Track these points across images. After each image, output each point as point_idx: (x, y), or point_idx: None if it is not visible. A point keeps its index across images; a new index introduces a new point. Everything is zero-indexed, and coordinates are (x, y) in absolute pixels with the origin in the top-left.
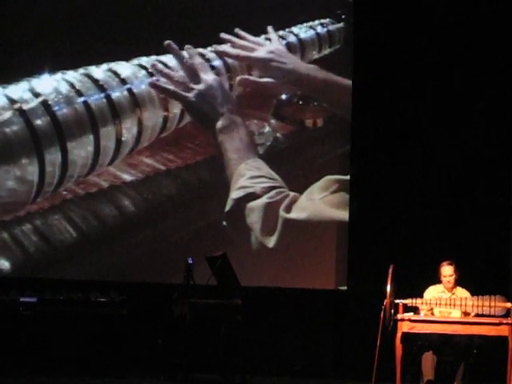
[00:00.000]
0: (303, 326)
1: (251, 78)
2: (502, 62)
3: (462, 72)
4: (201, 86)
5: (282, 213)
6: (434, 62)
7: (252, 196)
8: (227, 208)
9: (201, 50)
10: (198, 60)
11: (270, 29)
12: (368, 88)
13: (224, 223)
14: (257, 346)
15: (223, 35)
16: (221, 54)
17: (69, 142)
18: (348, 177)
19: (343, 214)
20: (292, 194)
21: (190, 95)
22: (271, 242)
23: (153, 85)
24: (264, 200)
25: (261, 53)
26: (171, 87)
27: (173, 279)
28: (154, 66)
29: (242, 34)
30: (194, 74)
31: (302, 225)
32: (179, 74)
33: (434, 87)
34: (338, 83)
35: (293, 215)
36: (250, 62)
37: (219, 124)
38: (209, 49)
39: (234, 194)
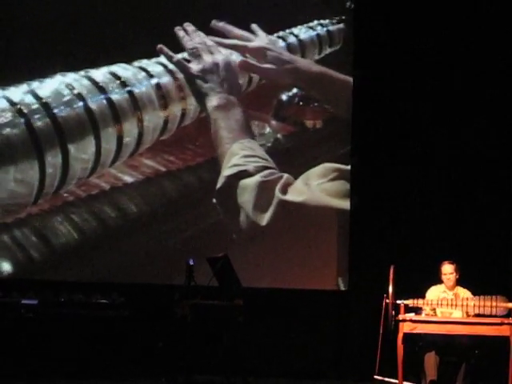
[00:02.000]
0: (304, 326)
1: (252, 61)
2: (503, 61)
3: (462, 71)
4: (206, 62)
5: (277, 193)
6: (433, 62)
7: (244, 174)
8: (218, 185)
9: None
10: (209, 42)
11: (254, 26)
12: (368, 88)
13: (214, 200)
14: (258, 347)
15: (214, 24)
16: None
17: (70, 144)
18: (348, 167)
19: (342, 204)
20: (286, 175)
21: (194, 67)
22: (264, 220)
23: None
24: (258, 178)
25: (257, 42)
26: (177, 56)
27: (174, 280)
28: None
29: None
30: (198, 54)
31: (298, 208)
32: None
33: (434, 87)
34: (334, 77)
35: (289, 197)
36: (247, 51)
37: (214, 101)
38: None
39: (226, 171)
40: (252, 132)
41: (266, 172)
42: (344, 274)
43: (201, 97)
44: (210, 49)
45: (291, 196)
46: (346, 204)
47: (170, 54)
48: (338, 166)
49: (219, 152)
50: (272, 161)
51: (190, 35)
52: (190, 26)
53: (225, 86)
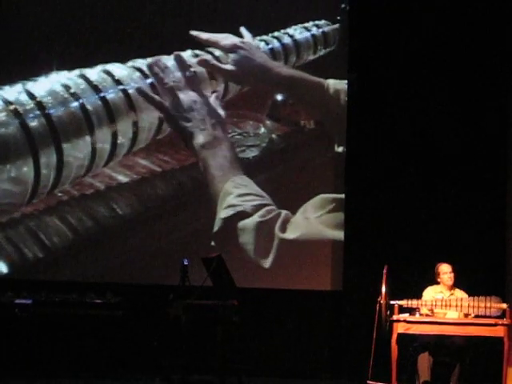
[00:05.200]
0: (299, 327)
1: (211, 60)
2: (499, 63)
3: (458, 73)
4: (180, 104)
5: (277, 232)
6: (429, 63)
7: (242, 215)
8: (216, 228)
9: (182, 53)
10: (177, 75)
11: (243, 29)
12: (363, 89)
13: (212, 243)
14: (253, 347)
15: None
16: (196, 41)
17: (64, 143)
18: (343, 195)
19: (339, 234)
20: (284, 212)
21: (171, 109)
22: (267, 262)
23: (139, 90)
24: (256, 219)
25: (230, 40)
26: (157, 97)
27: (168, 280)
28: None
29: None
30: (173, 93)
31: (300, 244)
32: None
33: (430, 88)
34: (307, 80)
35: (289, 235)
36: (219, 47)
37: (201, 139)
38: (189, 52)
39: (223, 213)
40: (242, 167)
41: (264, 211)
42: (338, 274)
43: (186, 136)
44: (185, 86)
45: (291, 233)
46: (341, 234)
47: (150, 96)
48: (333, 196)
49: (212, 192)
50: (267, 196)
51: (164, 72)
52: (160, 62)
53: (207, 121)
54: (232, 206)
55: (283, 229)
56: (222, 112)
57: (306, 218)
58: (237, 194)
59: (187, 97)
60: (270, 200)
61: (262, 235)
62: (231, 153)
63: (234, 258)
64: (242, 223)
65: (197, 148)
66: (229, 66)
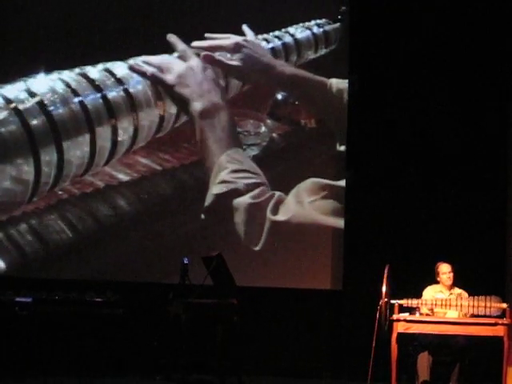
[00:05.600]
0: (299, 326)
1: (216, 56)
2: (499, 64)
3: (458, 73)
4: (180, 68)
5: (269, 215)
6: (429, 63)
7: (235, 192)
8: (206, 203)
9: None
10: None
11: (245, 27)
12: (364, 88)
13: (202, 216)
14: (253, 346)
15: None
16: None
17: (65, 141)
18: (338, 183)
19: (336, 222)
20: (277, 193)
21: (169, 77)
22: (258, 245)
23: (132, 68)
24: (248, 200)
25: (233, 40)
26: (150, 69)
27: (168, 279)
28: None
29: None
30: (169, 65)
31: (291, 227)
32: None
33: (430, 87)
34: (310, 79)
35: (280, 217)
36: (222, 49)
37: (198, 106)
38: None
39: (216, 188)
40: (239, 140)
41: (257, 191)
42: (339, 273)
43: (183, 104)
44: (180, 57)
45: (283, 216)
46: (340, 222)
47: (143, 69)
48: (326, 182)
49: (207, 165)
50: (261, 172)
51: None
52: None
53: (206, 87)
54: (225, 182)
55: (275, 211)
56: (221, 80)
57: (298, 201)
58: (231, 169)
59: (184, 65)
60: (264, 178)
61: (254, 217)
62: (229, 124)
63: (225, 237)
64: (234, 202)
65: (194, 115)
66: (234, 62)
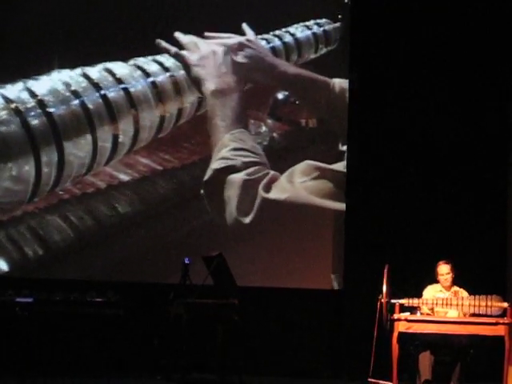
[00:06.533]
0: (299, 325)
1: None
2: (499, 63)
3: (458, 73)
4: (204, 50)
5: (260, 191)
6: (430, 63)
7: (232, 168)
8: (206, 177)
9: None
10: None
11: (245, 26)
12: (364, 87)
13: (201, 191)
14: (253, 346)
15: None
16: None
17: (65, 141)
18: (330, 166)
19: (325, 203)
20: (272, 172)
21: (193, 57)
22: (247, 218)
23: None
24: (243, 176)
25: (235, 40)
26: (174, 48)
27: (169, 279)
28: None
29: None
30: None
31: (282, 206)
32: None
33: (430, 87)
34: (313, 79)
35: (272, 195)
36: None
37: (212, 85)
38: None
39: (215, 164)
40: (246, 121)
41: (252, 169)
42: (339, 273)
43: (198, 83)
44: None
45: (274, 194)
46: (328, 203)
47: (168, 46)
48: (320, 164)
49: (212, 141)
50: (263, 153)
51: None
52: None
53: (223, 70)
54: (225, 158)
55: (267, 188)
56: (241, 59)
57: (290, 181)
58: (232, 147)
59: (209, 47)
60: (264, 159)
61: (246, 192)
62: (238, 105)
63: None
64: (230, 177)
65: (207, 94)
66: (239, 58)
